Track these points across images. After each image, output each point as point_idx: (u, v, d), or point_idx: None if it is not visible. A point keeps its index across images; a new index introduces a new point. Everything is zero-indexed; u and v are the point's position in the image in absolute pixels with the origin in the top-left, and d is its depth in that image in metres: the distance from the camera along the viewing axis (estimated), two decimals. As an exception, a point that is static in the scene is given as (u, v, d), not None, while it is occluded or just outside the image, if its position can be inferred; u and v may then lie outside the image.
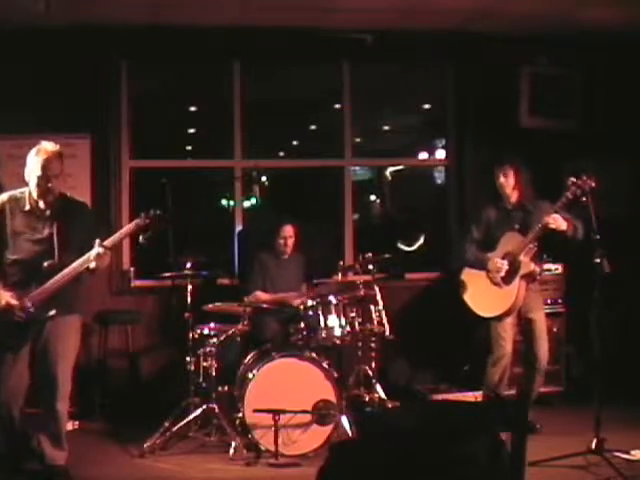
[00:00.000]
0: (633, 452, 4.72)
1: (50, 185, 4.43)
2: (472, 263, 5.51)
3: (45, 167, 4.42)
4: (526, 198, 5.46)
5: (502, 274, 5.33)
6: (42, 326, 4.44)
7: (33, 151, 4.49)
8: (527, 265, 5.29)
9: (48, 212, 4.50)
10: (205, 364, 5.41)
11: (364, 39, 6.75)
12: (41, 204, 4.50)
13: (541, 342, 5.42)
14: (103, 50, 6.47)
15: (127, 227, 4.71)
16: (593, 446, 4.62)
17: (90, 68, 6.46)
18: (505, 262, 5.32)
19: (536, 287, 5.49)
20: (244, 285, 6.12)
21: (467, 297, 5.51)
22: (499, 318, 5.39)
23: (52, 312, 4.39)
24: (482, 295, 5.45)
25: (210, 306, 5.53)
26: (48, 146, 4.50)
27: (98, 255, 4.40)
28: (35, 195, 4.48)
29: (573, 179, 4.96)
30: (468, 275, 5.55)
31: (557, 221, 5.11)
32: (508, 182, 5.44)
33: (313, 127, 8.44)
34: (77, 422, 5.73)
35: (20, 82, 6.34)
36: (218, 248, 7.10)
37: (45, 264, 4.41)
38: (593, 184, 4.90)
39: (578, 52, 6.87)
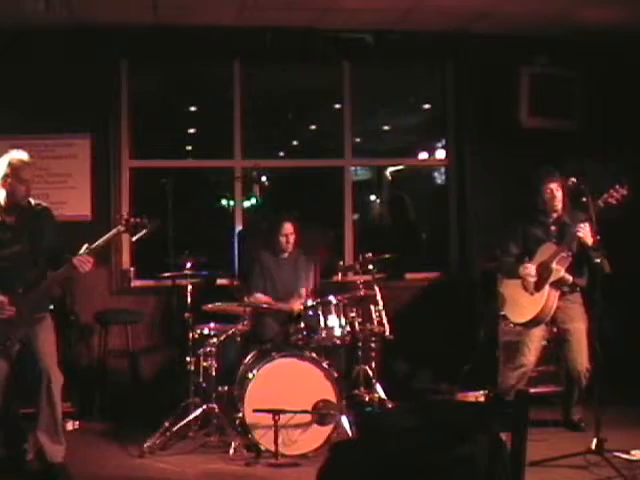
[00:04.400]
0: (633, 452, 4.71)
1: (22, 195, 4.45)
2: (506, 271, 5.46)
3: (18, 175, 4.42)
4: (566, 212, 5.40)
5: (533, 279, 5.28)
6: (28, 327, 4.46)
7: (3, 160, 4.48)
8: (557, 272, 5.22)
9: (18, 223, 4.51)
10: (205, 364, 5.40)
11: (364, 39, 6.75)
12: (10, 214, 4.50)
13: (579, 354, 5.26)
14: (103, 50, 6.47)
15: (109, 234, 4.70)
16: (593, 446, 4.61)
17: (90, 68, 6.46)
18: (533, 267, 5.29)
19: (575, 298, 5.36)
20: (245, 286, 6.11)
21: (504, 307, 5.49)
22: (528, 326, 5.34)
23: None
24: (515, 302, 5.41)
25: (210, 306, 5.52)
26: (21, 156, 4.50)
27: (79, 259, 4.44)
28: (4, 205, 4.48)
29: (611, 188, 4.88)
30: (505, 285, 5.50)
31: (584, 231, 5.02)
32: (558, 196, 5.34)
33: (313, 127, 8.44)
34: (77, 422, 5.73)
35: (20, 82, 6.34)
36: (218, 248, 7.10)
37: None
38: (626, 192, 4.86)
39: (578, 52, 6.87)
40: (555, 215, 5.41)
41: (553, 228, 5.40)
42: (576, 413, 5.41)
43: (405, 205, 7.91)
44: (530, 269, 5.30)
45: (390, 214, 8.30)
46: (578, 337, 5.28)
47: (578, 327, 5.30)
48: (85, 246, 4.48)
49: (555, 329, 5.44)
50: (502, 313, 5.54)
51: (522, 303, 5.36)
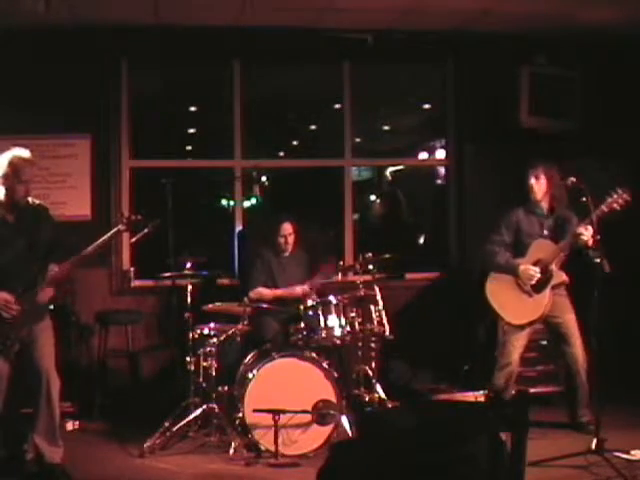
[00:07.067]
0: (633, 452, 4.71)
1: (21, 195, 4.44)
2: (502, 268, 5.39)
3: (18, 175, 4.41)
4: (558, 206, 5.39)
5: (533, 282, 5.27)
6: (29, 327, 4.46)
7: (4, 159, 4.46)
8: (559, 275, 5.25)
9: (18, 221, 4.50)
10: (205, 364, 5.40)
11: (364, 39, 6.75)
12: (10, 213, 4.49)
13: (574, 342, 5.31)
14: (103, 50, 6.47)
15: (109, 233, 4.68)
16: (593, 446, 4.61)
17: (90, 68, 6.47)
18: (538, 270, 5.25)
19: (561, 291, 5.38)
20: (246, 282, 6.10)
21: (496, 304, 5.42)
22: (524, 327, 5.34)
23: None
24: (511, 302, 5.36)
25: (210, 306, 5.52)
26: (22, 153, 4.48)
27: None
28: (4, 203, 4.47)
29: (614, 193, 4.89)
30: (496, 280, 5.44)
31: (587, 233, 4.99)
32: (539, 186, 5.36)
33: (313, 127, 8.44)
34: (77, 422, 5.74)
35: (20, 82, 6.35)
36: (218, 248, 7.10)
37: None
38: (629, 198, 4.87)
39: (578, 52, 6.87)
40: (547, 206, 5.40)
41: (548, 222, 5.39)
42: (584, 415, 5.34)
43: (398, 200, 7.93)
44: (533, 271, 5.25)
45: (384, 209, 8.33)
46: (572, 329, 5.35)
47: (570, 318, 5.38)
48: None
49: (542, 325, 5.46)
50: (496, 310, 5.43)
51: (520, 305, 5.32)
